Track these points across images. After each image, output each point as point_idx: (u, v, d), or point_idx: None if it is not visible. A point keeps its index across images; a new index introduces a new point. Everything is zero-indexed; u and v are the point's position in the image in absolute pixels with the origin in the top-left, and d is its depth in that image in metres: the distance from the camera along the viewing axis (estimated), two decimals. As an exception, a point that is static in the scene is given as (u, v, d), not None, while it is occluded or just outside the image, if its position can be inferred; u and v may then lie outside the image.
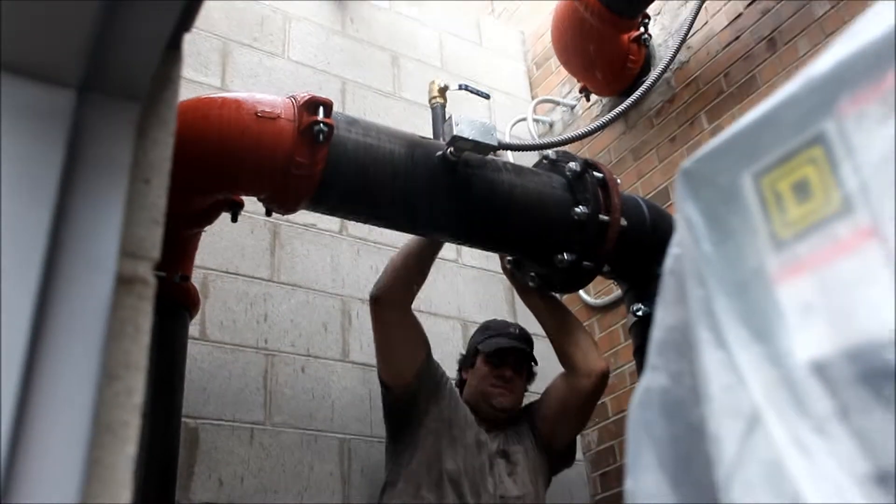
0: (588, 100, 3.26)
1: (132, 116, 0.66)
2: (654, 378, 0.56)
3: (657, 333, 0.58)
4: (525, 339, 2.41)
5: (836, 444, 0.44)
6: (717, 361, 0.50)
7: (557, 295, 2.53)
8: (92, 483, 0.55)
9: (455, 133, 1.92)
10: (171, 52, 0.72)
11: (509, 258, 2.38)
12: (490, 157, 2.09)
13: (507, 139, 3.37)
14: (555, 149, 2.35)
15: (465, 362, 2.43)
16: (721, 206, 0.54)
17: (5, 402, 0.50)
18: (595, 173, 2.21)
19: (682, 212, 0.57)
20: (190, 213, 1.93)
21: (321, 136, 1.81)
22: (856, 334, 0.45)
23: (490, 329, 2.45)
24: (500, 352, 2.35)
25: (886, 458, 0.42)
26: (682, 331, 0.53)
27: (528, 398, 2.46)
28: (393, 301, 2.20)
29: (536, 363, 2.43)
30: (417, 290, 2.27)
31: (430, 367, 2.27)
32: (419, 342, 2.26)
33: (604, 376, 2.26)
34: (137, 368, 0.62)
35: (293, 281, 2.66)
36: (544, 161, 2.33)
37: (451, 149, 1.96)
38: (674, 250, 0.58)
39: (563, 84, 3.56)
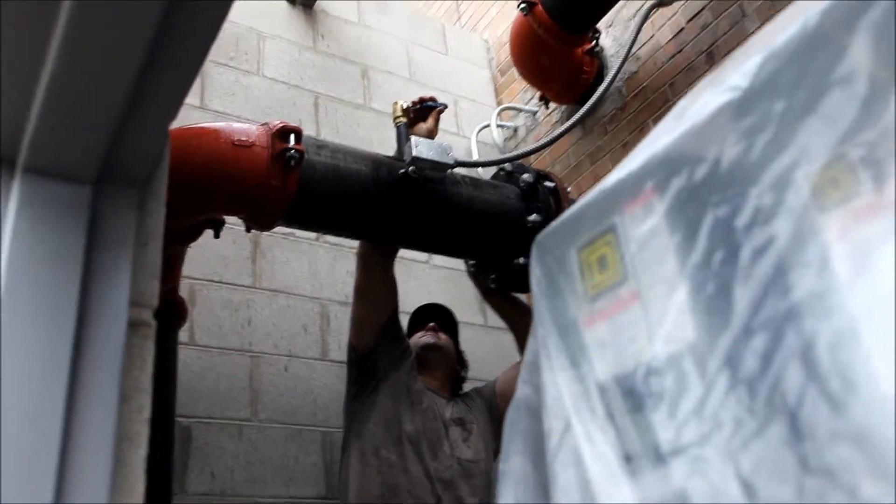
0: (547, 107, 3.46)
1: (134, 198, 0.86)
2: (523, 389, 0.77)
3: (527, 356, 0.78)
4: (439, 305, 2.72)
5: (608, 436, 0.64)
6: (549, 380, 0.70)
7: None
8: (117, 476, 0.76)
9: (414, 154, 2.12)
10: (164, 140, 0.92)
11: (472, 262, 2.59)
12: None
13: (473, 145, 3.58)
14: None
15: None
16: (556, 270, 0.74)
17: (56, 418, 0.71)
18: (547, 183, 2.42)
19: (534, 273, 0.78)
20: (175, 232, 2.12)
21: (292, 162, 2.00)
22: (622, 365, 0.66)
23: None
24: (418, 313, 2.68)
25: (629, 445, 0.63)
26: (537, 356, 0.74)
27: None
28: (369, 256, 2.36)
29: (456, 320, 2.69)
30: (395, 253, 2.42)
31: (393, 328, 2.39)
32: (387, 300, 2.38)
33: None
34: (145, 391, 0.83)
35: (274, 287, 2.85)
36: (501, 172, 2.54)
37: (412, 168, 2.16)
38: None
39: (525, 90, 3.76)
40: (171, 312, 2.26)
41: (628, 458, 0.63)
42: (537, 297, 0.77)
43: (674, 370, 0.62)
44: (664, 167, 0.65)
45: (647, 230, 0.65)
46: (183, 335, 2.45)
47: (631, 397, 0.65)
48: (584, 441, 0.65)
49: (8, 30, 0.68)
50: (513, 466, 0.73)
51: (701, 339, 0.60)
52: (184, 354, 2.43)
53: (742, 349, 0.57)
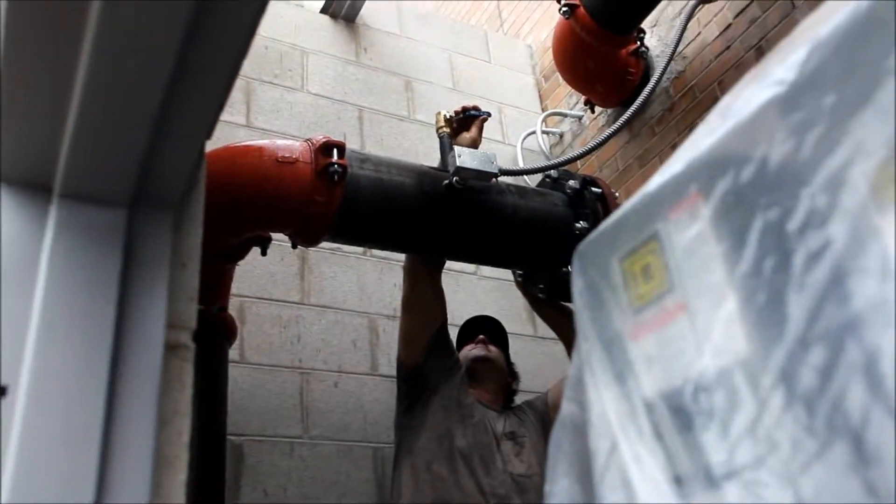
0: (593, 111, 3.41)
1: (169, 219, 0.85)
2: (568, 406, 0.74)
3: (572, 371, 0.75)
4: (489, 317, 2.68)
5: (656, 457, 0.61)
6: (594, 397, 0.67)
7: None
8: (156, 502, 0.74)
9: (458, 164, 2.10)
10: (198, 160, 0.91)
11: (520, 272, 2.56)
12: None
13: (518, 153, 3.55)
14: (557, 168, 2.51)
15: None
16: (599, 281, 0.71)
17: (93, 443, 0.70)
18: (594, 189, 2.38)
19: (576, 284, 0.75)
20: (223, 251, 2.14)
21: (336, 176, 2.00)
22: (669, 381, 0.62)
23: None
24: (467, 326, 2.64)
25: (679, 466, 0.59)
26: (581, 371, 0.71)
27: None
28: (416, 269, 2.35)
29: (506, 332, 2.65)
30: (442, 265, 2.41)
31: (442, 341, 2.37)
32: (436, 313, 2.36)
33: None
34: (184, 414, 0.82)
35: (323, 302, 2.86)
36: (547, 180, 2.51)
37: (456, 178, 2.14)
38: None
39: (570, 95, 3.71)
40: (221, 331, 2.27)
41: (678, 481, 0.59)
42: (580, 309, 0.74)
43: (724, 386, 0.58)
44: (708, 169, 0.61)
45: (692, 236, 0.62)
46: (233, 353, 2.46)
47: (680, 415, 0.61)
48: (631, 462, 0.61)
49: (35, 57, 0.68)
50: (559, 489, 0.70)
51: (753, 353, 0.56)
52: (234, 372, 2.44)
53: (798, 363, 0.53)
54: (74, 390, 0.72)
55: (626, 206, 0.72)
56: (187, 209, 0.90)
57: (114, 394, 0.74)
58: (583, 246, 0.76)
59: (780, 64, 0.57)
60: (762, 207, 0.56)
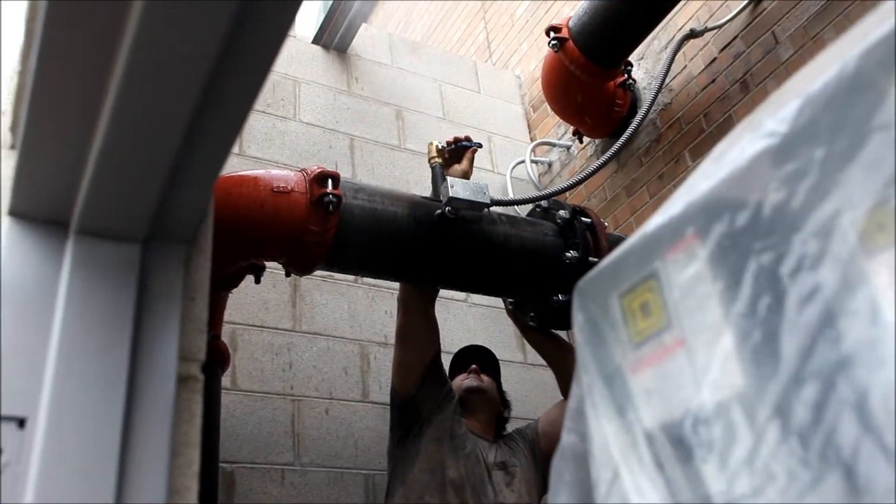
0: (581, 141, 3.47)
1: (182, 254, 0.88)
2: (568, 436, 0.77)
3: (571, 403, 0.78)
4: (481, 347, 2.70)
5: (657, 487, 0.63)
6: (595, 428, 0.70)
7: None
8: (168, 532, 0.76)
9: (451, 195, 2.14)
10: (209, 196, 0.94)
11: (510, 300, 2.59)
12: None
13: (508, 182, 3.59)
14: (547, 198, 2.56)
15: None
16: (600, 317, 0.74)
17: (110, 474, 0.72)
18: (583, 219, 2.42)
19: (576, 319, 0.78)
20: (219, 279, 2.15)
21: (331, 206, 2.02)
22: (669, 413, 0.65)
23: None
24: (459, 355, 2.66)
25: (680, 496, 0.62)
26: (582, 403, 0.74)
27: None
28: (410, 299, 2.38)
29: (497, 361, 2.67)
30: (435, 295, 2.44)
31: (436, 371, 2.39)
32: (429, 343, 2.38)
33: None
34: (194, 445, 0.84)
35: (314, 330, 2.87)
36: (537, 209, 2.55)
37: (449, 208, 2.17)
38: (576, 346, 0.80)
39: (559, 125, 3.77)
40: (215, 359, 2.29)
41: (680, 511, 0.62)
42: (581, 344, 0.77)
43: (722, 419, 0.61)
44: (705, 213, 0.65)
45: (689, 276, 0.65)
46: (225, 380, 2.47)
47: (680, 447, 0.64)
48: (633, 491, 0.64)
49: (61, 100, 0.71)
50: (560, 519, 0.72)
51: (749, 388, 0.59)
52: (226, 399, 2.45)
53: (792, 399, 0.56)
54: (91, 422, 0.74)
55: (626, 245, 0.75)
56: (197, 243, 0.92)
57: (129, 426, 0.76)
58: (582, 283, 0.80)
59: (772, 116, 0.61)
60: (756, 251, 0.60)
